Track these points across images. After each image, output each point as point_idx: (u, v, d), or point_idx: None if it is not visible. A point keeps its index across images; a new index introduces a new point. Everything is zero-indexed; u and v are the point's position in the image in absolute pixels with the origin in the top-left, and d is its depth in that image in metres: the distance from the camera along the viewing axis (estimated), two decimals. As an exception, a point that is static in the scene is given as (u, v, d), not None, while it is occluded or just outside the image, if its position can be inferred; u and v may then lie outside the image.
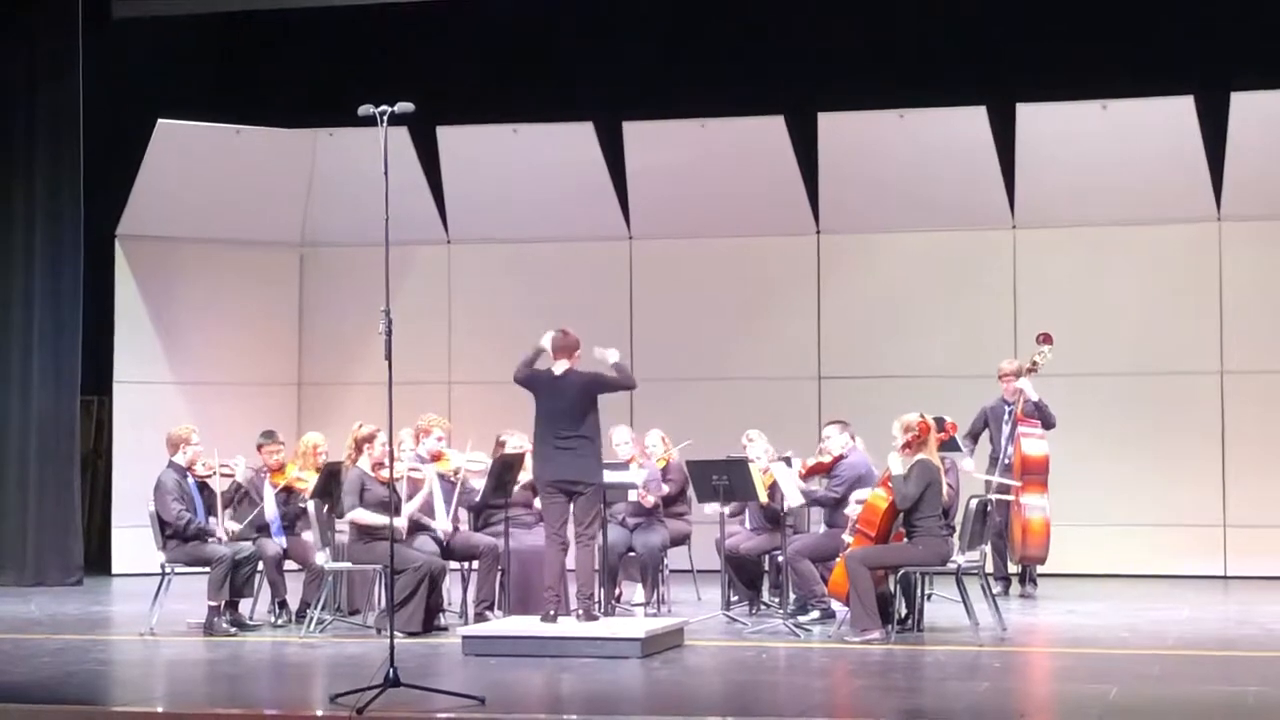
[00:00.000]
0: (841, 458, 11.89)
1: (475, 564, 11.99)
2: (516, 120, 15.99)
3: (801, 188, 15.71)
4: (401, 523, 11.50)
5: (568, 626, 10.67)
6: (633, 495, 12.28)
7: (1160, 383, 15.18)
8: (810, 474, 11.96)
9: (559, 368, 10.97)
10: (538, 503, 12.14)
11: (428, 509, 11.86)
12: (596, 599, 11.06)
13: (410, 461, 11.97)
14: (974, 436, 13.49)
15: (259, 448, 12.40)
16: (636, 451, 12.67)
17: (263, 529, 12.16)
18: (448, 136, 16.09)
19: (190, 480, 11.82)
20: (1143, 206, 15.16)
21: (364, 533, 11.40)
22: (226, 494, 12.05)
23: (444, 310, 16.56)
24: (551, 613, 10.72)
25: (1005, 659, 10.36)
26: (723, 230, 16.00)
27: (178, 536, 11.67)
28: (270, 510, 12.13)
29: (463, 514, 12.25)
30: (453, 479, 12.05)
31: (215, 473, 12.01)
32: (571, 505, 10.93)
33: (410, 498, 11.75)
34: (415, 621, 11.19)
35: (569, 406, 10.85)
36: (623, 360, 11.19)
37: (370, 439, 11.56)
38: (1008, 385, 13.38)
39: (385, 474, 11.19)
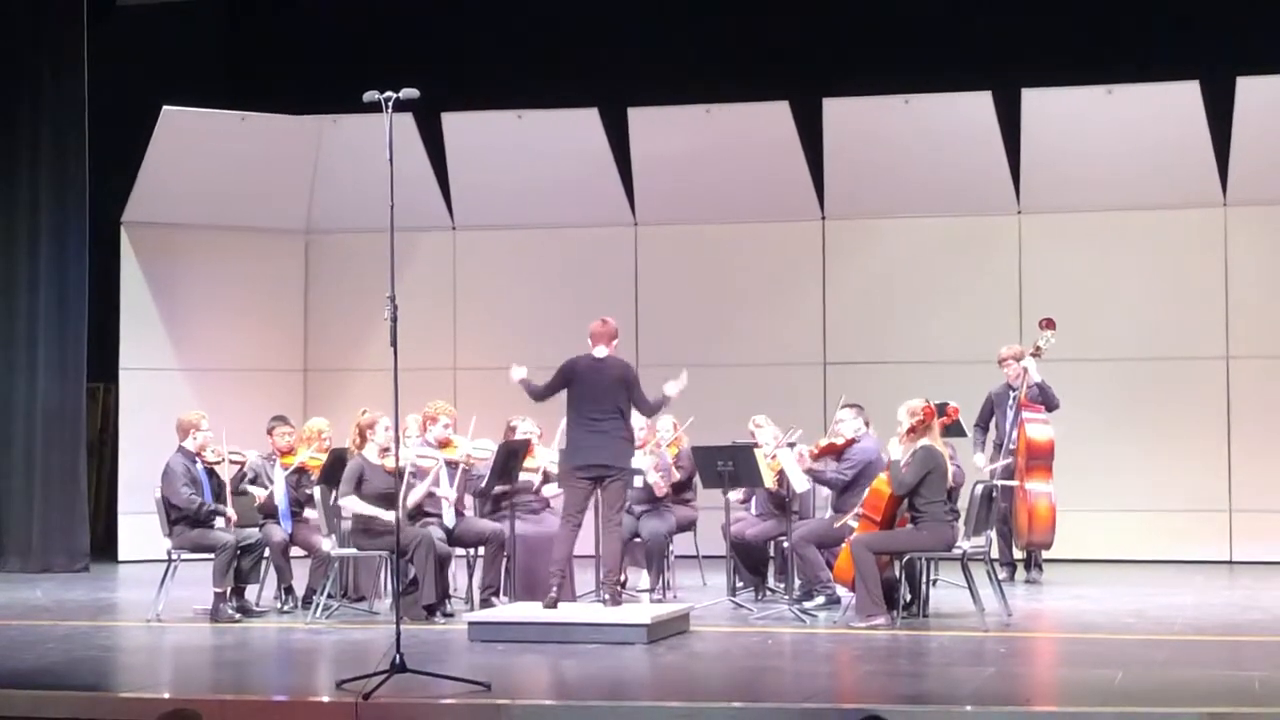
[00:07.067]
0: (854, 441, 11.88)
1: (481, 550, 12.00)
2: (521, 106, 15.97)
3: (806, 173, 15.69)
4: (414, 497, 11.56)
5: (573, 612, 10.69)
6: (638, 481, 12.28)
7: (1165, 368, 15.17)
8: (822, 454, 11.88)
9: (599, 352, 11.00)
10: (545, 490, 12.18)
11: (433, 499, 11.85)
12: (622, 582, 11.04)
13: (419, 449, 11.96)
14: (984, 426, 13.47)
15: (269, 431, 12.41)
16: (648, 437, 12.62)
17: (270, 515, 12.17)
18: (453, 123, 16.08)
19: (199, 466, 11.82)
20: (1148, 192, 15.14)
21: (361, 522, 11.40)
22: (234, 480, 12.05)
23: (449, 296, 16.56)
24: (554, 595, 10.71)
25: (1010, 644, 10.36)
26: (728, 216, 15.98)
27: (187, 520, 11.66)
28: (280, 495, 12.12)
29: (468, 500, 12.26)
30: (467, 465, 12.05)
31: (224, 459, 12.01)
32: (599, 491, 10.91)
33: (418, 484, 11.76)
34: (431, 594, 11.19)
35: (605, 392, 10.87)
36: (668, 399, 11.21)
37: (372, 425, 11.56)
38: (1009, 369, 13.38)
39: (390, 460, 11.22)
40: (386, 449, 11.37)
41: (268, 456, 12.34)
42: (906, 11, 15.67)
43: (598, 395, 10.87)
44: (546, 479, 12.19)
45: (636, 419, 12.57)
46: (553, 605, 10.69)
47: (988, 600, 11.09)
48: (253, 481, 12.26)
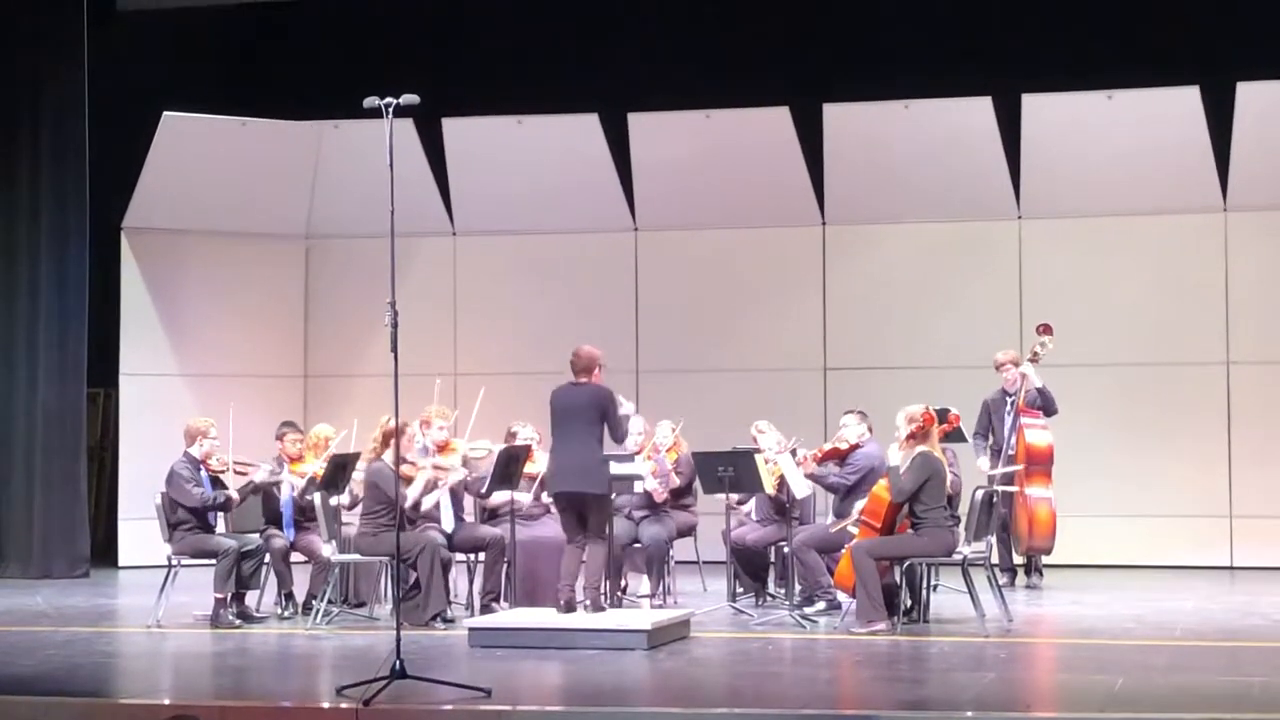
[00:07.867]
0: (858, 446, 11.87)
1: (481, 556, 11.99)
2: (521, 112, 15.98)
3: (807, 179, 15.70)
4: (428, 503, 11.56)
5: (574, 618, 10.68)
6: (639, 487, 12.28)
7: (1166, 373, 15.16)
8: (825, 459, 11.88)
9: (579, 379, 10.99)
10: (546, 495, 12.17)
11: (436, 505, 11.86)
12: (604, 591, 11.06)
13: (436, 458, 11.93)
14: (984, 434, 13.44)
15: (279, 437, 12.39)
16: (645, 442, 12.62)
17: (273, 520, 12.17)
18: (453, 128, 16.08)
19: (203, 473, 11.81)
20: (1148, 197, 15.14)
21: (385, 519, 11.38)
22: (242, 491, 12.01)
23: (449, 302, 16.56)
24: (562, 604, 10.72)
25: (1011, 650, 10.36)
26: (728, 221, 15.99)
27: (190, 524, 11.64)
28: (285, 499, 12.10)
29: (469, 505, 12.25)
30: (466, 469, 12.06)
31: (229, 469, 12.00)
32: (584, 512, 10.92)
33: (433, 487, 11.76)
34: (441, 602, 11.19)
35: (576, 416, 10.85)
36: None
37: (401, 432, 11.52)
38: (1007, 374, 13.36)
39: (405, 466, 11.21)
40: (403, 459, 11.33)
41: (275, 460, 12.32)
42: (906, 16, 15.67)
43: (569, 420, 10.88)
44: (545, 485, 12.18)
45: (634, 423, 12.63)
46: (564, 611, 10.70)
47: (988, 605, 11.08)
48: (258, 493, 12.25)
